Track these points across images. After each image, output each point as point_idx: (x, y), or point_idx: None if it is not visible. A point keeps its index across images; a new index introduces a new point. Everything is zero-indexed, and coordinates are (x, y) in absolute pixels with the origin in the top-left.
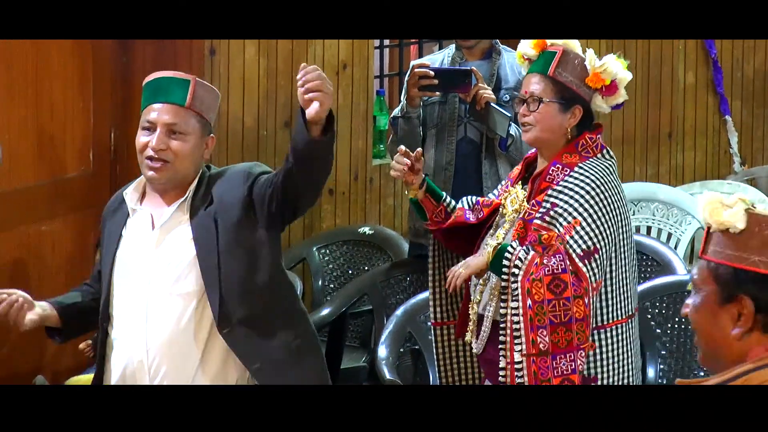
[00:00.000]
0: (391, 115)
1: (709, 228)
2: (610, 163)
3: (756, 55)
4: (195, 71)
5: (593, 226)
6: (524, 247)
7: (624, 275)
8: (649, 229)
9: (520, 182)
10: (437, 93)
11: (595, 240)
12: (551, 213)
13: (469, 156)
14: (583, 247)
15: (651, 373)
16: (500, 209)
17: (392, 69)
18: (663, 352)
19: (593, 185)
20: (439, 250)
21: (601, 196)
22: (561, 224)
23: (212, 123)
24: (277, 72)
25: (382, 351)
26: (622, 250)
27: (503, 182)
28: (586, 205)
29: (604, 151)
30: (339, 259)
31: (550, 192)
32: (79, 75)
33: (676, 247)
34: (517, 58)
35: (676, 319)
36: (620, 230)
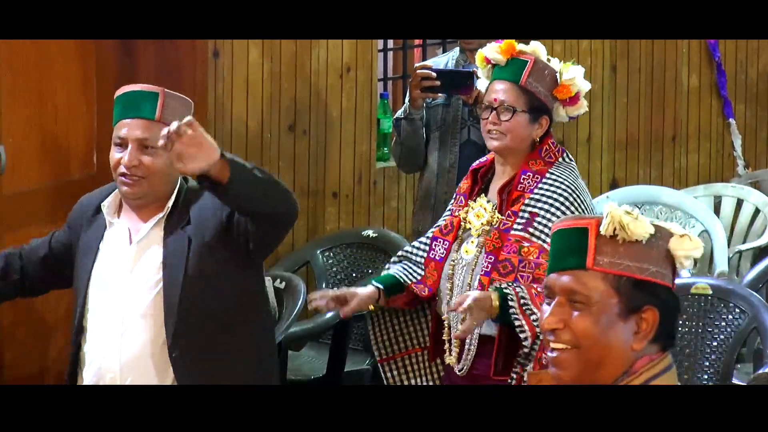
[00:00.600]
0: (394, 117)
1: (596, 238)
2: (574, 166)
3: (760, 58)
4: (199, 74)
5: None
6: (514, 284)
7: None
8: None
9: (482, 194)
10: (439, 94)
11: None
12: (534, 224)
13: (472, 159)
14: None
15: None
16: (462, 225)
17: (396, 72)
18: None
19: (569, 191)
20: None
21: (578, 201)
22: (547, 234)
23: None
24: (281, 75)
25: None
26: None
27: (453, 205)
28: (568, 213)
29: (565, 155)
30: (343, 262)
31: (527, 201)
32: (82, 77)
33: None
34: (478, 60)
35: (680, 322)
36: None
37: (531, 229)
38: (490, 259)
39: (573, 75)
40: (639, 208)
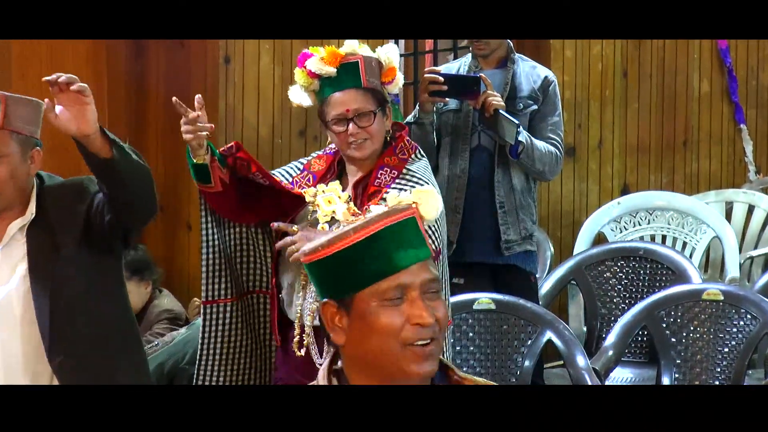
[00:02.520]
0: (405, 122)
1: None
2: (426, 162)
3: None
4: (210, 79)
5: (434, 227)
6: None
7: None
8: (663, 237)
9: (337, 180)
10: (447, 99)
11: (437, 242)
12: None
13: (482, 164)
14: (432, 248)
15: (666, 381)
16: (310, 205)
17: (407, 78)
18: (678, 361)
19: (426, 186)
20: (212, 222)
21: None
22: None
23: (36, 135)
24: (292, 80)
25: None
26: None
27: (296, 172)
28: None
29: (417, 152)
30: None
31: (385, 196)
32: (93, 82)
33: (691, 256)
34: (301, 78)
35: (691, 328)
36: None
37: None
38: None
39: (393, 56)
40: (651, 214)
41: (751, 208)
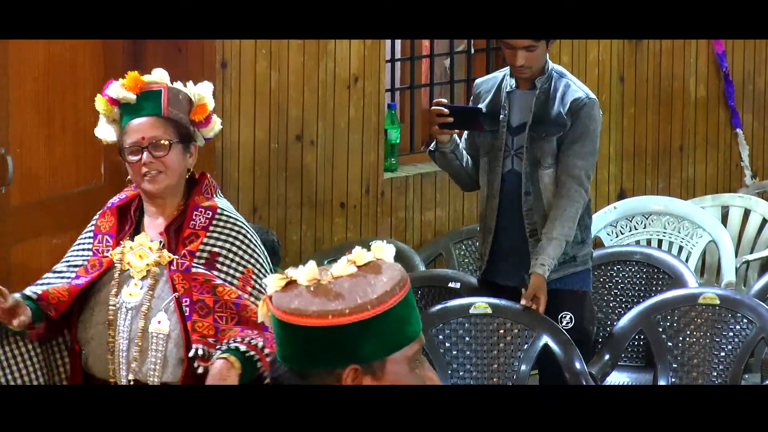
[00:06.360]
0: (428, 149)
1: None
2: (226, 201)
3: (767, 68)
4: None
5: (263, 272)
6: (248, 339)
7: None
8: (660, 242)
9: (145, 233)
10: (455, 130)
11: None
12: (217, 265)
13: (514, 189)
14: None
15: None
16: (119, 264)
17: (404, 82)
18: (674, 365)
19: (246, 228)
20: None
21: (255, 238)
22: (234, 276)
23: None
24: (288, 85)
25: None
26: None
27: (90, 243)
28: (250, 251)
29: (218, 191)
30: None
31: (205, 240)
32: (91, 88)
33: (687, 261)
34: (101, 105)
35: (688, 332)
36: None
37: (215, 272)
38: (186, 301)
39: (205, 94)
40: (647, 218)
41: (747, 213)
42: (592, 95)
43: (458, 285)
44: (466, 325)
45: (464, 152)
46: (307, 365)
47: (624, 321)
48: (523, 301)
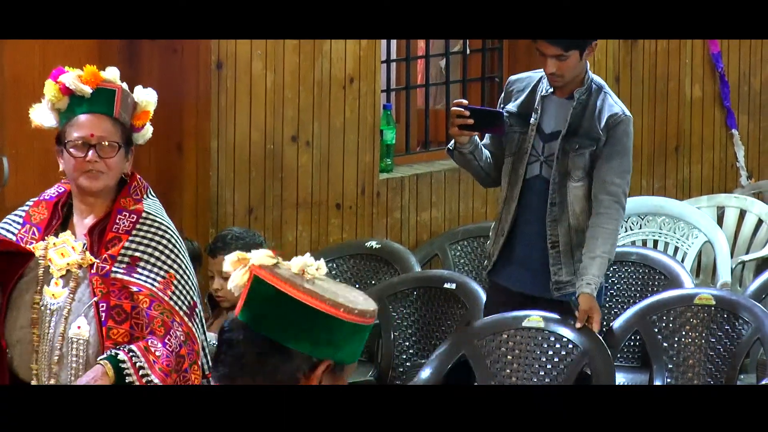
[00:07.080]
0: (447, 147)
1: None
2: (159, 202)
3: (763, 69)
4: (202, 85)
5: (186, 278)
6: (127, 349)
7: None
8: (655, 242)
9: (68, 231)
10: (475, 132)
11: (192, 293)
12: (138, 269)
13: (539, 196)
14: (187, 303)
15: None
16: (41, 259)
17: (399, 83)
18: (670, 366)
19: (169, 233)
20: None
21: (179, 242)
22: (155, 280)
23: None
24: (284, 86)
25: (425, 373)
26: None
27: (17, 227)
28: (173, 256)
29: (149, 191)
30: (346, 273)
31: (127, 244)
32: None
33: (682, 261)
34: (51, 91)
35: (683, 333)
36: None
37: (136, 276)
38: (103, 306)
39: (151, 100)
40: (642, 219)
41: (742, 213)
42: (628, 112)
43: (454, 286)
44: (518, 337)
45: (485, 151)
46: (287, 340)
47: (620, 321)
48: (578, 325)
